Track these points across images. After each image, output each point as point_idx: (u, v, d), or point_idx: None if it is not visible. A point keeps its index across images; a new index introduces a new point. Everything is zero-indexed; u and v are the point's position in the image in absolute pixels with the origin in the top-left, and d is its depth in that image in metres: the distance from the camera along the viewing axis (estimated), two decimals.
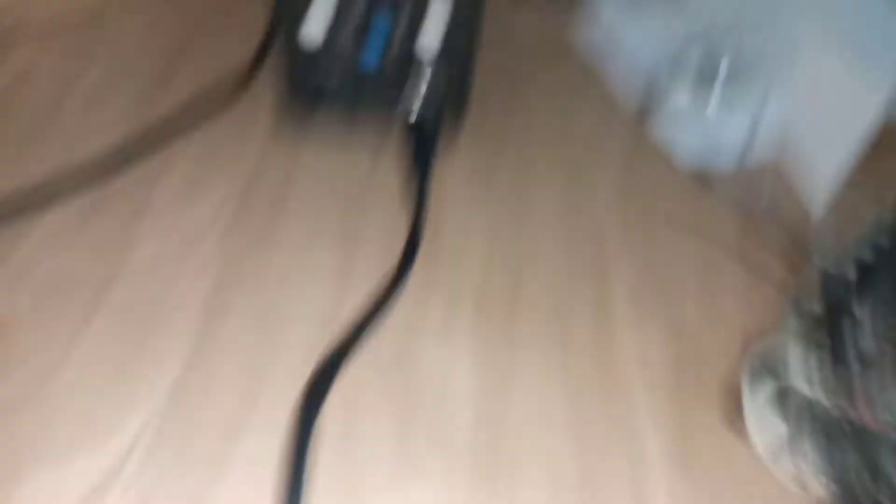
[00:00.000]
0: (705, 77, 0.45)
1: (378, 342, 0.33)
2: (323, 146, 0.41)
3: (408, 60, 0.36)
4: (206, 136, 0.40)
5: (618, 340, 0.35)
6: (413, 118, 0.38)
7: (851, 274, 0.34)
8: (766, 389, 0.31)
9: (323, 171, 0.40)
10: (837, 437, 0.29)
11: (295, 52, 0.36)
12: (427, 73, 0.37)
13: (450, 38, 0.35)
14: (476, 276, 0.36)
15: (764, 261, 0.39)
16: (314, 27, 0.35)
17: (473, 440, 0.30)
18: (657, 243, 0.40)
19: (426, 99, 0.38)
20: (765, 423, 0.31)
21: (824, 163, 0.41)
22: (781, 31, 0.44)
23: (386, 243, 0.36)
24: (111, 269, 0.34)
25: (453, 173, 0.41)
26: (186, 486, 0.27)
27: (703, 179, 0.43)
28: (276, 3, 0.34)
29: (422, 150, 0.37)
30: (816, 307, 0.33)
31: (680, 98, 0.45)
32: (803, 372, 0.30)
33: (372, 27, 0.35)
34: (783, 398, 0.31)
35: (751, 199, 0.42)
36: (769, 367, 0.32)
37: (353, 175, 0.40)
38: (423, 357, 0.32)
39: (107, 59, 0.44)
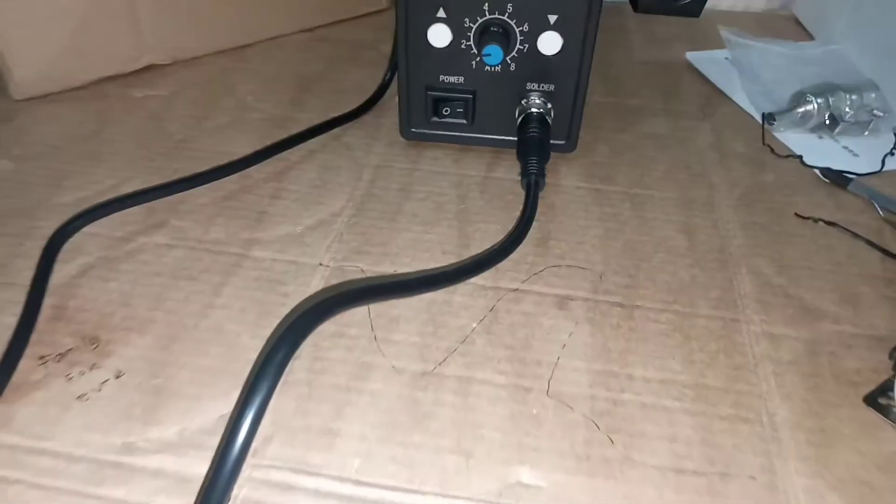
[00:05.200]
0: (838, 105, 0.45)
1: (491, 300, 0.33)
2: (442, 151, 0.43)
3: (529, 58, 0.38)
4: (335, 142, 0.44)
5: (743, 317, 0.33)
6: (529, 110, 0.39)
7: None
8: None
9: (440, 169, 0.42)
10: None
11: (421, 49, 0.39)
12: (543, 70, 0.39)
13: (566, 45, 0.37)
14: (593, 256, 0.36)
15: None
16: (440, 30, 0.38)
17: (589, 395, 0.29)
18: (787, 233, 0.38)
19: (546, 95, 0.40)
20: None
21: None
22: None
23: (503, 227, 0.37)
24: (250, 236, 0.36)
25: (570, 170, 0.42)
26: None
27: (835, 178, 0.41)
28: (402, 13, 0.37)
29: (539, 136, 0.38)
30: None
31: (812, 109, 0.44)
32: None
33: (491, 32, 0.37)
34: None
35: (890, 198, 0.39)
36: None
37: (468, 173, 0.42)
38: (541, 321, 0.32)
39: (249, 82, 0.49)
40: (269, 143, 0.43)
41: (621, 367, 0.31)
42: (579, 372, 0.30)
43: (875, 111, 0.44)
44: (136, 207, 0.38)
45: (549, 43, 0.38)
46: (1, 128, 0.44)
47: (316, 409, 0.28)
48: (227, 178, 0.40)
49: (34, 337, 0.30)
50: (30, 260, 0.34)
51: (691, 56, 0.53)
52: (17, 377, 0.29)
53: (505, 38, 0.38)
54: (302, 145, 0.43)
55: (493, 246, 0.35)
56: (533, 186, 0.36)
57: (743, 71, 0.50)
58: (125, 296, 0.33)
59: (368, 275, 0.35)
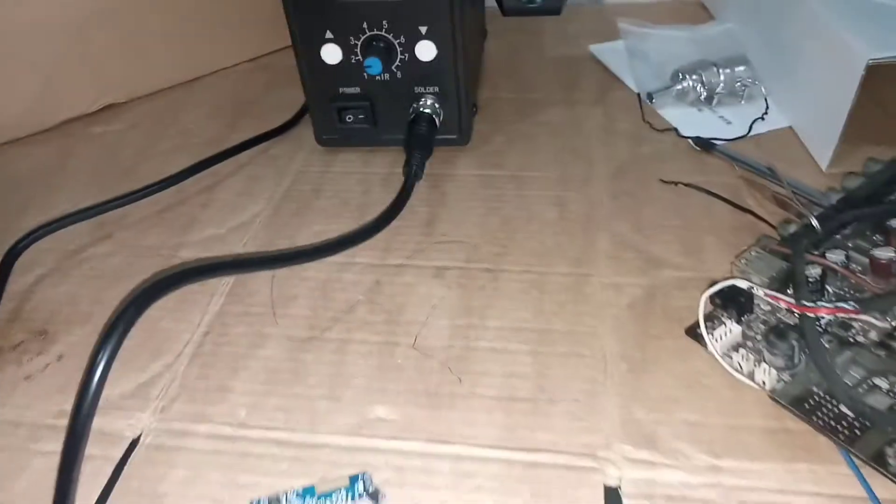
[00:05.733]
0: (710, 79, 0.49)
1: (378, 275, 0.38)
2: (354, 154, 0.49)
3: (411, 65, 0.44)
4: (262, 154, 0.50)
5: (595, 271, 0.38)
6: (419, 111, 0.45)
7: (833, 200, 0.36)
8: (724, 291, 0.33)
9: (350, 169, 0.48)
10: (789, 334, 0.30)
11: (318, 67, 0.44)
12: (426, 75, 0.44)
13: (440, 51, 0.43)
14: (472, 231, 0.41)
15: (757, 207, 0.41)
16: (331, 49, 0.44)
17: (447, 345, 0.34)
18: (651, 197, 0.43)
19: (434, 96, 0.45)
20: (719, 324, 0.33)
21: (823, 126, 0.43)
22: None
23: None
24: (180, 240, 0.43)
25: (464, 160, 0.47)
26: None
27: (704, 145, 0.46)
28: (295, 38, 0.43)
29: (422, 133, 0.44)
30: (793, 228, 0.35)
31: (688, 85, 0.48)
32: (766, 274, 0.32)
33: (373, 46, 0.43)
34: (739, 300, 0.32)
35: (753, 160, 0.44)
36: (733, 274, 0.33)
37: (375, 171, 0.47)
38: (418, 289, 0.38)
39: (194, 111, 0.56)
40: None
41: (480, 320, 0.36)
42: (443, 328, 0.35)
43: (743, 82, 0.48)
44: (87, 224, 0.44)
45: (425, 51, 0.43)
46: None
47: (215, 374, 0.34)
48: (166, 192, 0.46)
49: None
50: None
51: (594, 48, 0.58)
52: None
53: (387, 50, 0.43)
54: (233, 160, 0.49)
55: (353, 229, 0.40)
56: (409, 178, 0.41)
57: (634, 56, 0.55)
58: (71, 296, 0.39)
59: None
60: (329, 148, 0.50)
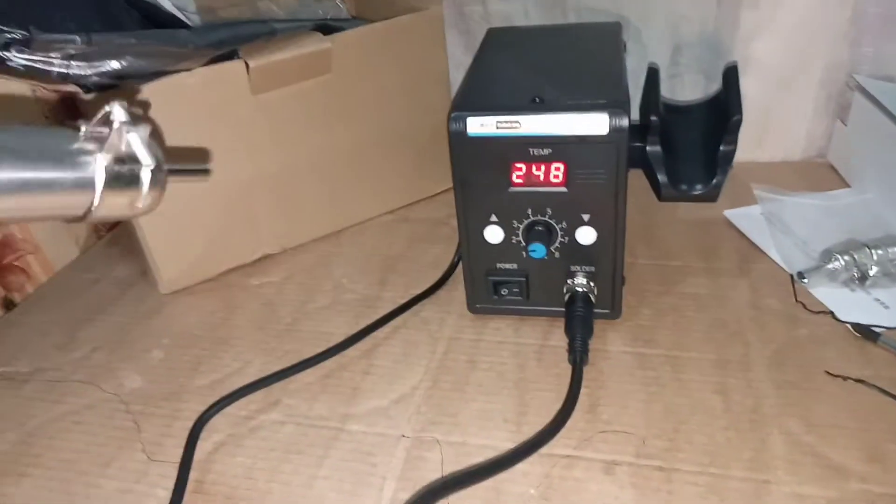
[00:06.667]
0: (863, 260, 0.49)
1: (546, 467, 0.39)
2: (504, 322, 0.50)
3: (570, 247, 0.46)
4: (414, 317, 0.52)
5: (774, 478, 0.37)
6: (574, 289, 0.46)
7: None
8: None
9: (503, 339, 0.49)
10: None
11: (480, 244, 0.47)
12: (583, 256, 0.46)
13: (600, 236, 0.45)
14: (636, 420, 0.41)
15: None
16: (494, 230, 0.46)
17: None
18: (818, 390, 0.42)
19: (588, 275, 0.47)
20: None
21: None
22: None
23: (557, 394, 0.43)
24: (346, 411, 0.44)
25: (617, 335, 0.48)
26: None
27: (865, 333, 0.45)
28: (462, 218, 0.46)
29: (583, 315, 0.45)
30: None
31: (840, 266, 0.48)
32: None
33: (535, 230, 0.45)
34: None
35: None
36: None
37: (527, 341, 0.48)
38: (591, 487, 0.38)
39: (344, 265, 0.59)
40: (361, 321, 0.51)
41: None
42: None
43: None
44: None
45: (586, 236, 0.45)
46: (154, 319, 0.55)
47: None
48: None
49: None
50: (176, 439, 0.43)
51: (729, 213, 0.59)
52: None
53: (547, 233, 0.45)
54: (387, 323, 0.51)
55: (543, 428, 0.41)
56: (578, 364, 0.42)
57: (775, 226, 0.55)
58: (248, 470, 0.41)
59: (442, 444, 0.41)
60: (477, 314, 0.51)
